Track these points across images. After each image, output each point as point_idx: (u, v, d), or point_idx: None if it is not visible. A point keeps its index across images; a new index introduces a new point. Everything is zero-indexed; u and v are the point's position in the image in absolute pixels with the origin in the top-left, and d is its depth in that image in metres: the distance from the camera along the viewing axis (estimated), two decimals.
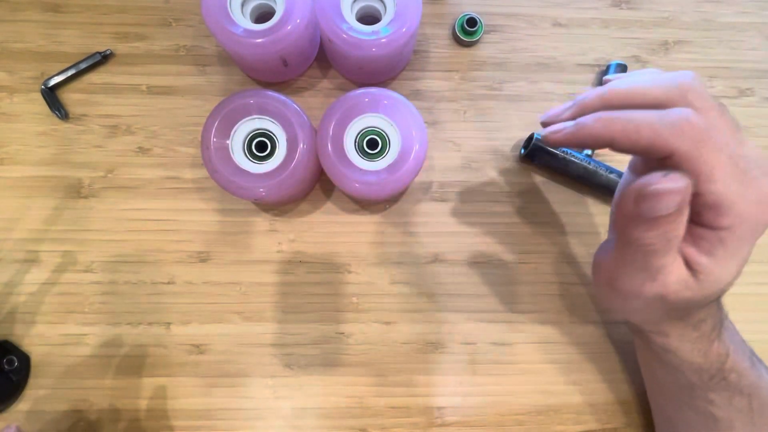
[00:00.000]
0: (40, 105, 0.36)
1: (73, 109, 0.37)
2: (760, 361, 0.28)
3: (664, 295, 0.22)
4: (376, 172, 0.30)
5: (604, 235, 0.37)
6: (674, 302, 0.23)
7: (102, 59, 0.37)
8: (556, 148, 0.35)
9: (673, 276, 0.22)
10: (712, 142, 0.20)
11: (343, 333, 0.35)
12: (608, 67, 0.37)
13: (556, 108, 0.26)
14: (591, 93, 0.24)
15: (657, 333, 0.27)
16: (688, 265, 0.22)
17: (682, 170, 0.20)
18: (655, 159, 0.22)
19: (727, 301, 0.26)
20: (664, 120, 0.20)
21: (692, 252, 0.22)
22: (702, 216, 0.21)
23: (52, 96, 0.36)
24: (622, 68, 0.37)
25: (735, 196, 0.20)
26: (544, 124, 0.26)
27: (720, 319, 0.26)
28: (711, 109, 0.21)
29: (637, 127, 0.21)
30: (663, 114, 0.21)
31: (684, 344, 0.26)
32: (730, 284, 0.23)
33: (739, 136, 0.21)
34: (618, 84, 0.23)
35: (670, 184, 0.19)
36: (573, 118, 0.24)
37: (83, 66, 0.36)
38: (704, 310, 0.25)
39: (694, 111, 0.20)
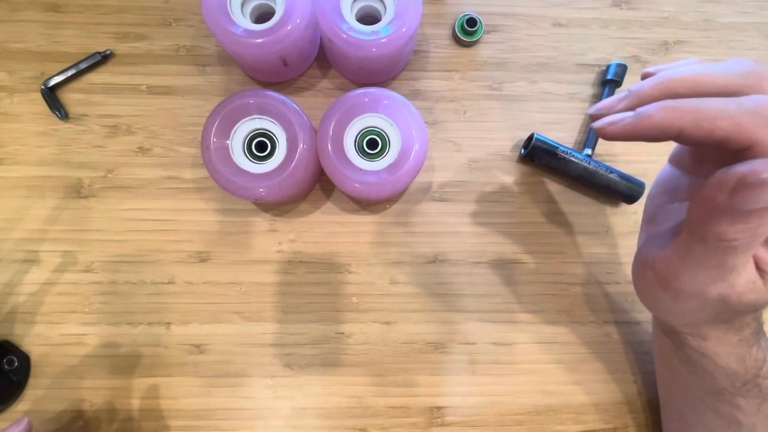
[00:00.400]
0: (40, 105, 0.36)
1: (73, 109, 0.37)
2: None
3: (728, 296, 0.21)
4: (376, 172, 0.30)
5: (604, 235, 0.37)
6: (737, 304, 0.21)
7: (102, 59, 0.37)
8: (557, 150, 0.35)
9: (743, 277, 0.20)
10: None
11: (343, 333, 0.35)
12: (608, 67, 0.37)
13: (608, 99, 0.23)
14: (647, 82, 0.21)
15: (695, 336, 0.26)
16: (758, 265, 0.21)
17: None
18: (728, 151, 0.20)
19: None
20: (743, 107, 0.18)
21: (763, 253, 0.21)
22: None
23: (52, 96, 0.36)
24: (622, 68, 0.37)
25: None
26: (594, 117, 0.23)
27: (758, 325, 0.25)
28: None
29: (712, 116, 0.19)
30: (741, 102, 0.19)
31: (723, 348, 0.25)
32: None
33: None
34: (680, 71, 0.21)
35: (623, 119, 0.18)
36: (629, 108, 0.21)
37: (83, 66, 0.36)
38: (753, 313, 0.24)
39: None
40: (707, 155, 0.23)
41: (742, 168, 0.18)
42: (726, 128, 0.18)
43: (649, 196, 0.28)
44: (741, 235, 0.19)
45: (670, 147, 0.26)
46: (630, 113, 0.21)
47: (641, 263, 0.25)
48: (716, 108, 0.19)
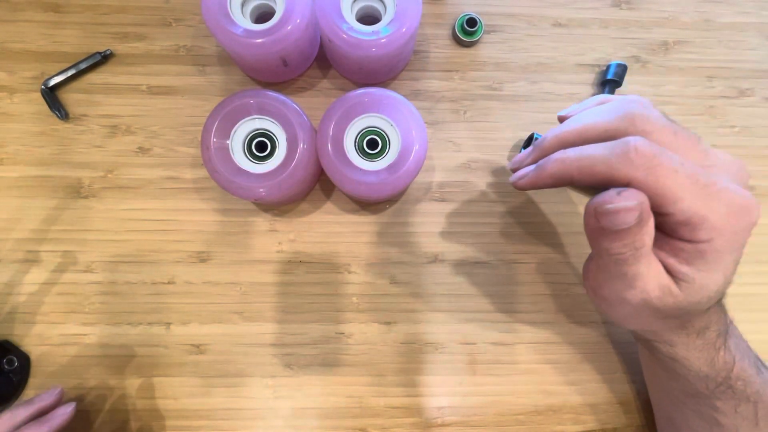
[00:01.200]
0: (40, 105, 0.36)
1: (73, 109, 0.37)
2: (765, 366, 0.27)
3: (647, 300, 0.23)
4: (376, 172, 0.30)
5: None
6: (660, 308, 0.23)
7: (102, 59, 0.37)
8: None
9: (651, 283, 0.22)
10: (666, 165, 0.20)
11: (343, 333, 0.35)
12: (608, 67, 0.37)
13: (520, 154, 0.27)
14: (549, 134, 0.25)
15: (663, 342, 0.27)
16: (671, 273, 0.22)
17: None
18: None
19: (729, 301, 0.26)
20: (613, 152, 0.21)
21: (672, 262, 0.22)
22: (678, 232, 0.21)
23: (52, 96, 0.36)
24: (622, 68, 0.37)
25: (703, 211, 0.20)
26: (512, 170, 0.27)
27: (725, 327, 0.26)
28: (663, 130, 0.21)
29: (591, 163, 0.21)
30: (612, 146, 0.21)
31: (690, 353, 0.26)
32: (719, 291, 0.23)
33: (701, 148, 0.22)
34: (570, 122, 0.24)
35: (624, 203, 0.20)
36: (535, 161, 0.25)
37: (83, 66, 0.36)
38: (704, 317, 0.25)
39: (644, 137, 0.21)
40: None
41: (598, 198, 0.21)
42: (602, 172, 0.21)
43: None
44: (623, 249, 0.21)
45: None
46: (533, 167, 0.25)
47: (582, 275, 0.27)
48: (593, 155, 0.21)
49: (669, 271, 0.22)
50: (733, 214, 0.21)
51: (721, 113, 0.39)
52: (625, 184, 0.21)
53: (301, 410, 0.34)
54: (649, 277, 0.22)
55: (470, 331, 0.36)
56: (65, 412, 0.29)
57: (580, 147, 0.22)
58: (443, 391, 0.35)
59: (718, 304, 0.25)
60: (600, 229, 0.21)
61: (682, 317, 0.24)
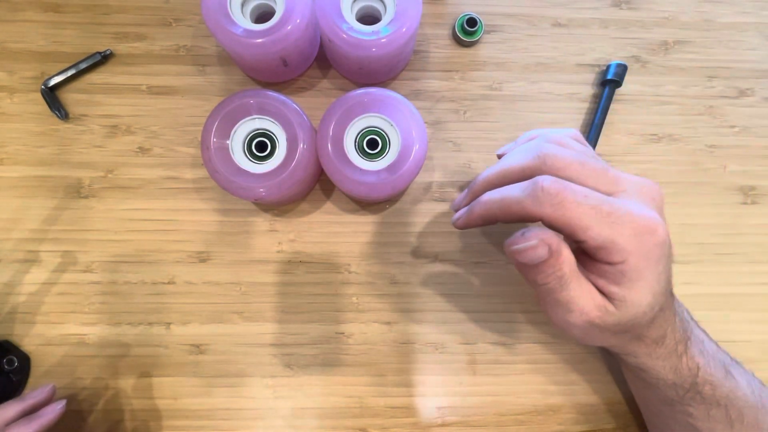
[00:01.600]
0: (40, 105, 0.36)
1: (73, 109, 0.37)
2: (736, 367, 0.28)
3: (590, 320, 0.24)
4: (376, 172, 0.30)
5: None
6: (604, 326, 0.24)
7: (102, 59, 0.37)
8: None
9: (587, 305, 0.23)
10: (570, 199, 0.22)
11: (343, 333, 0.35)
12: (608, 67, 0.37)
13: (458, 197, 0.30)
14: (479, 177, 0.28)
15: (627, 354, 0.28)
16: (604, 294, 0.24)
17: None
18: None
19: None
20: (524, 192, 0.23)
21: (602, 283, 0.24)
22: (598, 256, 0.23)
23: (52, 96, 0.36)
24: (623, 68, 0.37)
25: (612, 236, 0.22)
26: (454, 211, 0.29)
27: (683, 334, 0.27)
28: (570, 166, 0.23)
29: (508, 204, 0.24)
30: (523, 187, 0.23)
31: (655, 362, 0.27)
32: (652, 305, 0.24)
33: (610, 176, 0.23)
34: (497, 164, 0.27)
35: (524, 243, 0.22)
36: (468, 203, 0.28)
37: (83, 66, 0.36)
38: (656, 327, 0.26)
39: (552, 175, 0.23)
40: None
41: (507, 241, 0.24)
42: (518, 211, 0.23)
43: None
44: (547, 279, 0.23)
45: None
46: (466, 209, 0.27)
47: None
48: (509, 197, 0.24)
49: (602, 292, 0.24)
50: (639, 235, 0.22)
51: (721, 113, 0.39)
52: (539, 219, 0.23)
53: (301, 410, 0.34)
54: (583, 299, 0.23)
55: (470, 331, 0.36)
56: (55, 409, 0.29)
57: (500, 188, 0.25)
58: (443, 391, 0.35)
59: (665, 313, 0.25)
60: (522, 265, 0.23)
61: (631, 331, 0.25)
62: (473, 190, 0.28)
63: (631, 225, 0.22)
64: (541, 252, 0.22)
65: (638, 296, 0.23)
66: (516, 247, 0.23)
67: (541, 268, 0.23)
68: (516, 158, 0.25)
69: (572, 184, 0.22)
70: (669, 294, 0.25)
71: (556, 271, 0.23)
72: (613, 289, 0.23)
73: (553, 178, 0.22)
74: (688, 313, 0.28)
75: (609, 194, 0.23)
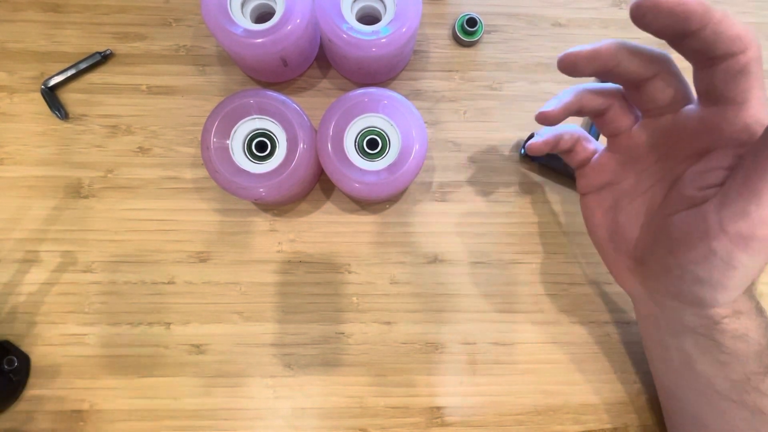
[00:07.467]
0: (40, 105, 0.36)
1: (73, 109, 0.37)
2: None
3: (751, 235, 0.21)
4: (376, 172, 0.30)
5: None
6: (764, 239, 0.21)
7: (102, 59, 0.37)
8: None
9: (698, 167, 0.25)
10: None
11: (343, 333, 0.35)
12: None
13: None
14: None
15: (732, 316, 0.25)
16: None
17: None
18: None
19: None
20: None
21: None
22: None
23: (52, 96, 0.36)
24: None
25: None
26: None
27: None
28: None
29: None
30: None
31: (752, 321, 0.25)
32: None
33: None
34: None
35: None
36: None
37: (83, 66, 0.36)
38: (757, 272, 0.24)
39: None
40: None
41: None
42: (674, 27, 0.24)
43: None
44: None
45: None
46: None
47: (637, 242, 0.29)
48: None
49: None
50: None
51: None
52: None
53: (301, 410, 0.34)
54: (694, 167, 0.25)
55: (470, 331, 0.36)
56: None
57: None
58: (443, 391, 0.35)
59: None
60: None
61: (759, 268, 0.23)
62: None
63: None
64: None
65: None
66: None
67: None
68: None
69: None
70: None
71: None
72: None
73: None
74: None
75: None
